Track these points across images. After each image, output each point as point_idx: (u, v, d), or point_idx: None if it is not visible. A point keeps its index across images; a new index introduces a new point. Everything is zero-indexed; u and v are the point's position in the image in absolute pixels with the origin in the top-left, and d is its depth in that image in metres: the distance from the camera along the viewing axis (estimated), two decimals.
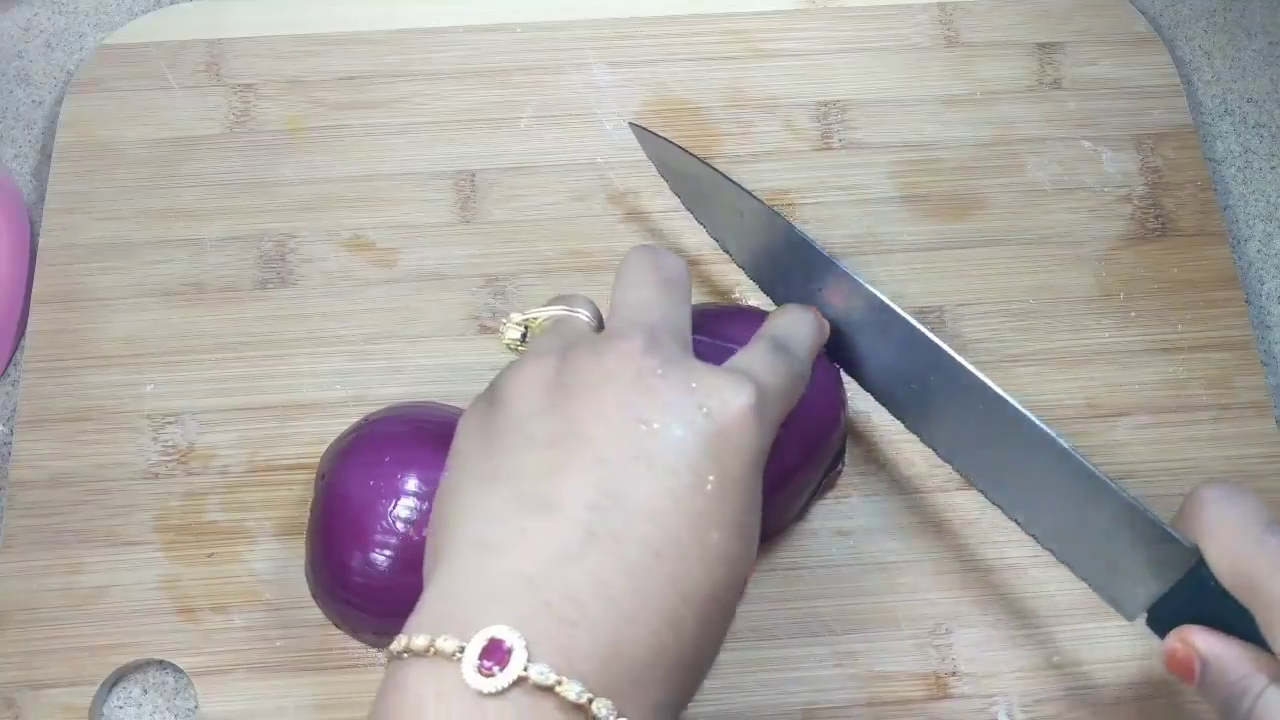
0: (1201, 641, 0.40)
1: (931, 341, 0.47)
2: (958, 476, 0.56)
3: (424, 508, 0.48)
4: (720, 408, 0.35)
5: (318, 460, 0.56)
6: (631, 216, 0.62)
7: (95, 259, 0.60)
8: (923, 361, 0.47)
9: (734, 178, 0.52)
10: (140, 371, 0.58)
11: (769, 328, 0.44)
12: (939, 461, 0.57)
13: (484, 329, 0.59)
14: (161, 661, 0.53)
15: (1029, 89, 0.65)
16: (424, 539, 0.39)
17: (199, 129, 0.63)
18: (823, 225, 0.62)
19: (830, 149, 0.64)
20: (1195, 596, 0.39)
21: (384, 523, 0.47)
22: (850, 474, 0.57)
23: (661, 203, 0.62)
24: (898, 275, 0.61)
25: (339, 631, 0.51)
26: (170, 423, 0.57)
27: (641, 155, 0.63)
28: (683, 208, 0.62)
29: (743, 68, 0.66)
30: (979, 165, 0.63)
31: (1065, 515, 0.44)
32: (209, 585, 0.54)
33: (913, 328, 0.47)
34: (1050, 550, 0.46)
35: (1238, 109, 0.68)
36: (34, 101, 0.67)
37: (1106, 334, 0.60)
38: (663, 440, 0.34)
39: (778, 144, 0.64)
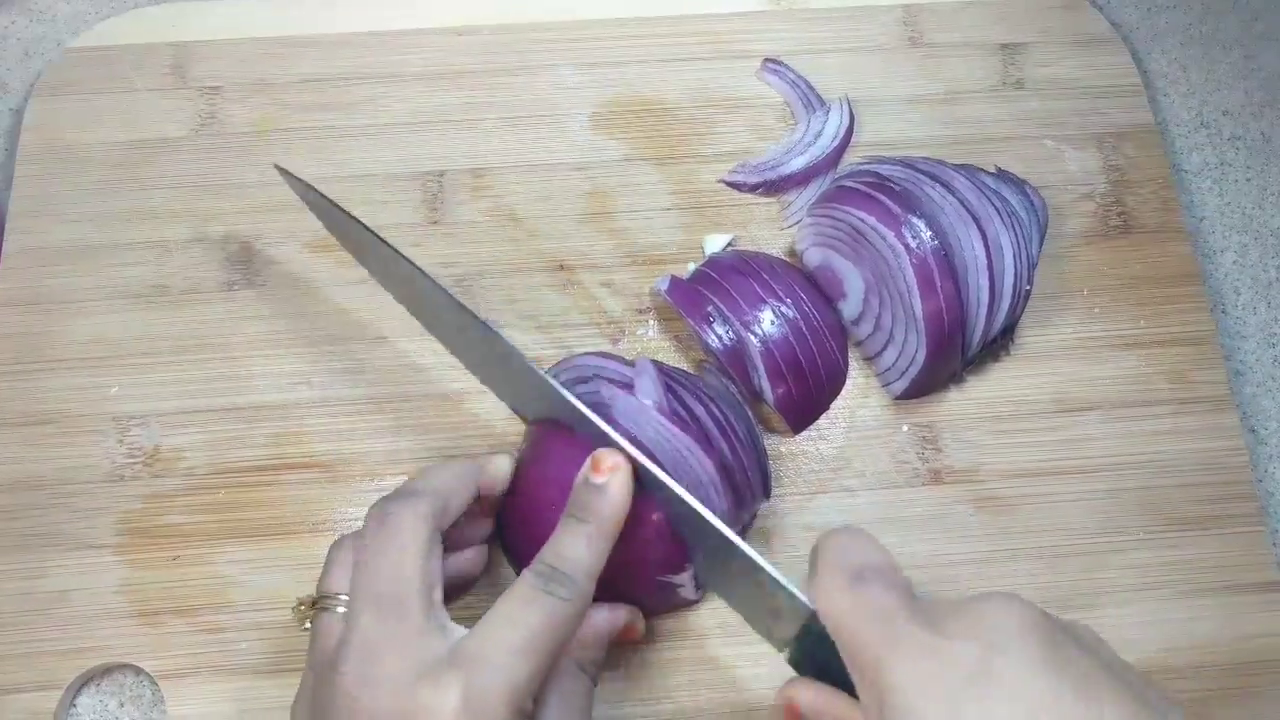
0: (802, 693, 0.40)
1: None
2: (925, 473, 0.57)
3: None
4: None
5: (283, 461, 0.56)
6: (597, 216, 0.62)
7: (59, 262, 0.60)
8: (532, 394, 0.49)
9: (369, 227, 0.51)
10: (105, 374, 0.58)
11: (544, 550, 0.43)
12: (906, 458, 0.57)
13: None
14: (137, 669, 0.53)
15: (992, 89, 0.66)
16: None
17: (165, 131, 0.63)
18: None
19: None
20: (823, 643, 0.39)
21: None
22: (818, 469, 0.57)
23: (627, 203, 0.62)
24: None
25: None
26: (136, 425, 0.57)
27: (609, 155, 0.63)
28: (647, 209, 0.62)
29: (709, 68, 0.66)
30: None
31: (718, 565, 0.46)
32: (173, 588, 0.54)
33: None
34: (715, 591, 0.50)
35: (1213, 121, 0.68)
36: (10, 109, 0.67)
37: (1071, 330, 0.61)
38: None
39: (744, 144, 0.64)
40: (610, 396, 0.50)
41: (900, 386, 0.57)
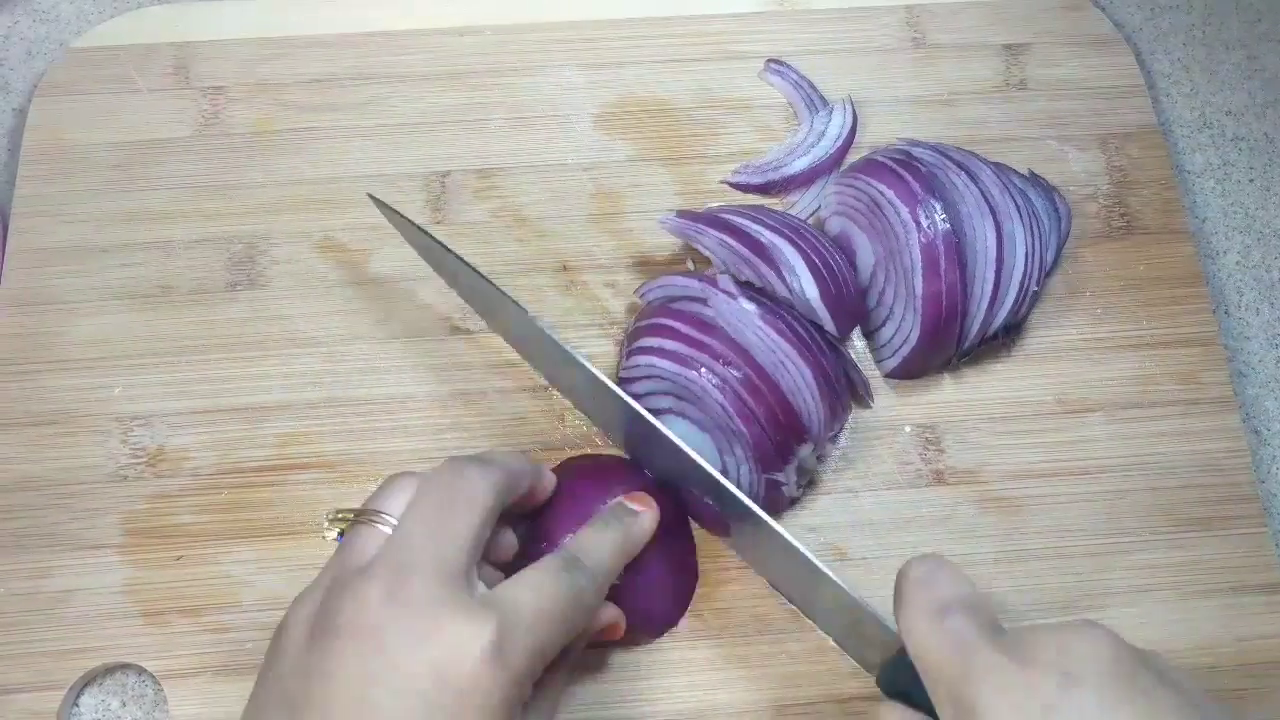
0: (889, 718, 0.41)
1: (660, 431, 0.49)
2: (928, 474, 0.57)
3: None
4: (452, 661, 0.37)
5: (289, 462, 0.56)
6: (603, 217, 0.62)
7: (63, 262, 0.60)
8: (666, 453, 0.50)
9: (457, 251, 0.52)
10: (108, 374, 0.58)
11: (569, 540, 0.45)
12: (908, 459, 0.57)
13: (455, 330, 0.59)
14: (139, 669, 0.53)
15: (995, 89, 0.66)
16: None
17: (168, 131, 0.63)
18: None
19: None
20: (910, 670, 0.40)
21: None
22: (820, 470, 0.57)
23: (634, 204, 0.62)
24: None
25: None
26: (140, 425, 0.57)
27: (613, 156, 0.63)
28: (651, 210, 0.62)
29: (712, 69, 0.66)
30: None
31: (813, 597, 0.49)
32: (177, 588, 0.54)
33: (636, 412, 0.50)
34: (810, 618, 0.53)
35: (1216, 122, 0.68)
36: (13, 109, 0.67)
37: (1075, 331, 0.61)
38: (382, 713, 0.36)
39: (747, 145, 0.64)
40: (713, 299, 0.51)
41: (892, 364, 0.57)
